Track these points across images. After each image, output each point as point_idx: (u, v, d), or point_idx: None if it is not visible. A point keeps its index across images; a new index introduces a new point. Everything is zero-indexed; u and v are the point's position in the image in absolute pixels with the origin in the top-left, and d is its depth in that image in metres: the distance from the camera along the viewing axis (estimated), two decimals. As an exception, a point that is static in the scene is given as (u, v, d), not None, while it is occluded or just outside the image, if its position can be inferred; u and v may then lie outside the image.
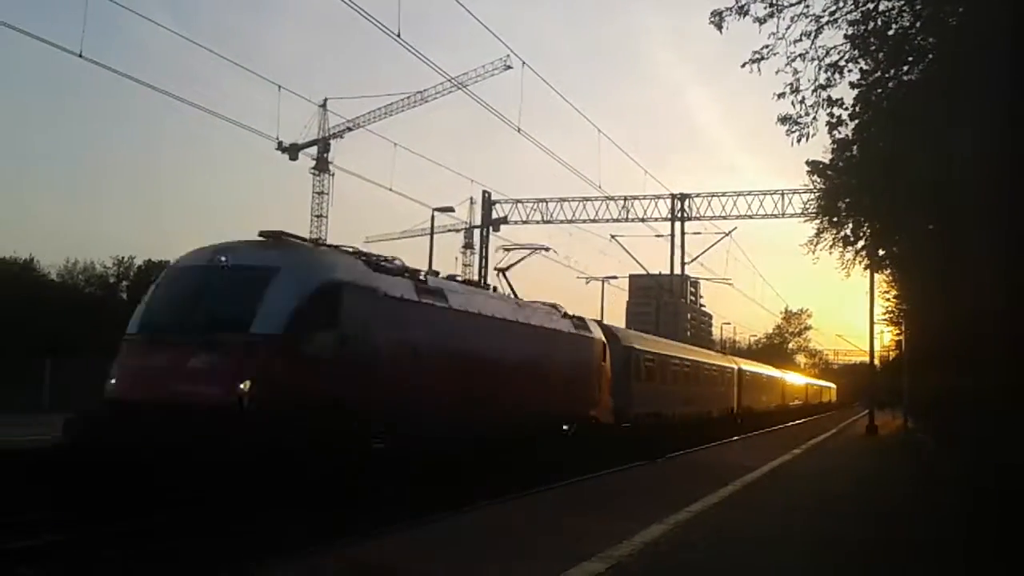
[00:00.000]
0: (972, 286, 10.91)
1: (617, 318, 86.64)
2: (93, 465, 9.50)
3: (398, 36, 17.96)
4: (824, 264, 21.86)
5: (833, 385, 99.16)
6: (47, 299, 38.97)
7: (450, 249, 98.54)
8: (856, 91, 11.83)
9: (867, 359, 43.77)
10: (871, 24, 10.96)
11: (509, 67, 54.68)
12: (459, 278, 17.24)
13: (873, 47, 11.20)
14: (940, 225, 13.98)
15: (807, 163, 18.24)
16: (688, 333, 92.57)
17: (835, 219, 19.08)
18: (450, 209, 39.71)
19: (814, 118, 11.95)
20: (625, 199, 44.44)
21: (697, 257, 47.01)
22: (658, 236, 45.07)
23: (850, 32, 11.06)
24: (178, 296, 11.04)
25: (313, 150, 65.83)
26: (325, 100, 64.66)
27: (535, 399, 16.35)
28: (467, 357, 14.11)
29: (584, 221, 44.78)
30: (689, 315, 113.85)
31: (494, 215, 46.26)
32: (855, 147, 14.36)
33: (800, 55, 11.14)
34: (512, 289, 18.43)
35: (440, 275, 15.83)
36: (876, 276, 29.52)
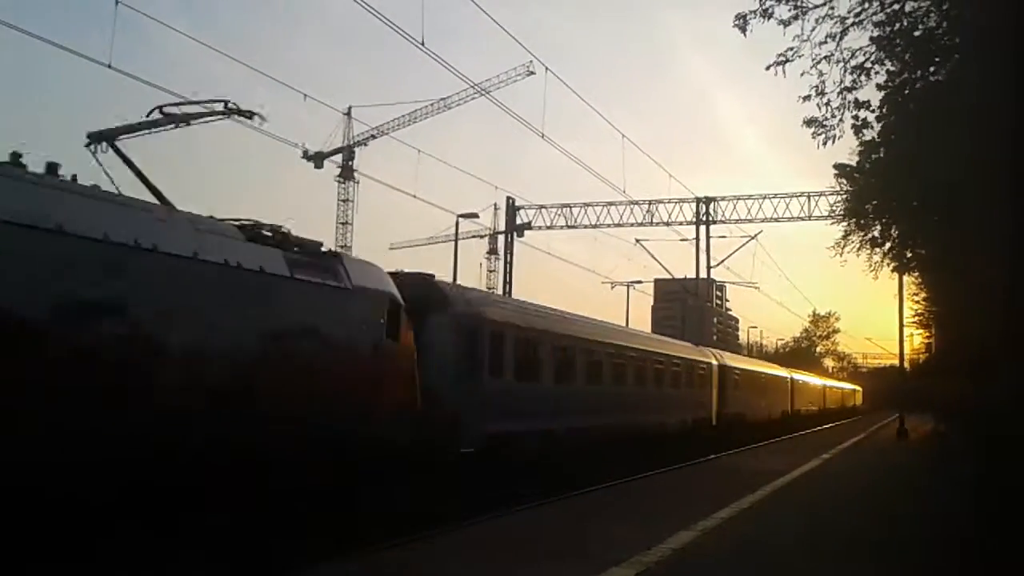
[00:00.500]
0: (1001, 288, 10.77)
1: (643, 323, 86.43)
2: None
3: (422, 44, 18.07)
4: (852, 267, 21.68)
5: (857, 387, 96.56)
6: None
7: (475, 255, 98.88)
8: (882, 93, 11.75)
9: (897, 362, 43.19)
10: (897, 25, 10.89)
11: (532, 73, 54.71)
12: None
13: (899, 48, 11.13)
14: (968, 227, 13.81)
15: (834, 166, 18.15)
16: (714, 337, 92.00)
17: (862, 221, 18.91)
18: (474, 215, 39.82)
19: (840, 120, 11.89)
20: (650, 203, 44.34)
21: (723, 261, 46.72)
22: (683, 240, 44.89)
23: (876, 34, 10.99)
24: None
25: (338, 158, 66.27)
26: (350, 108, 64.97)
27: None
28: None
29: (608, 226, 44.75)
30: (716, 319, 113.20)
31: (518, 221, 46.32)
32: (882, 149, 14.25)
33: (825, 57, 11.08)
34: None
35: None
36: (905, 278, 29.19)
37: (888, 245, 19.26)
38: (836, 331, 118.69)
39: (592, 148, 40.04)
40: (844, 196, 21.03)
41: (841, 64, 11.14)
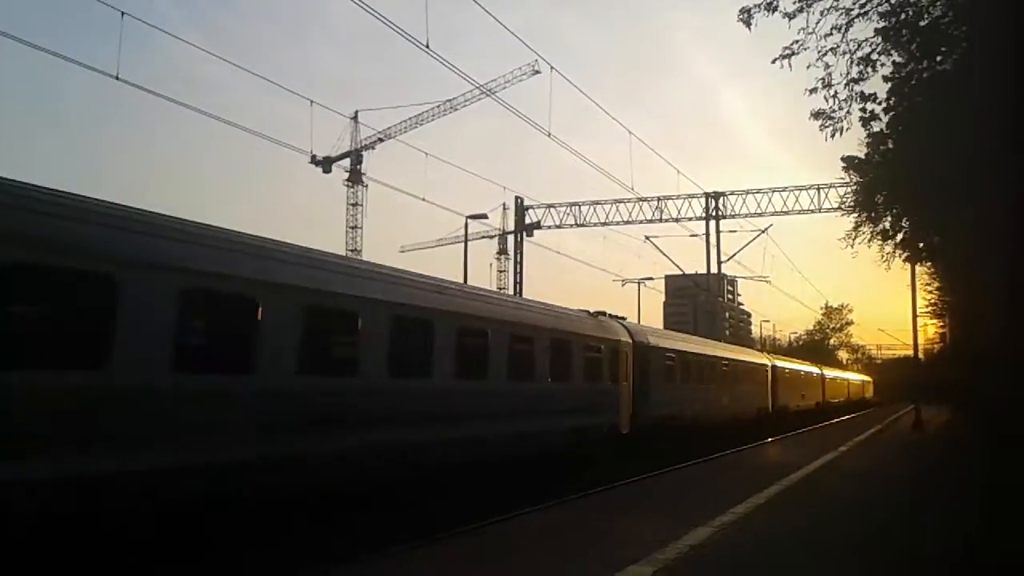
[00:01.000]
0: (1013, 279, 10.72)
1: (654, 319, 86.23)
2: None
3: (427, 47, 18.13)
4: (863, 258, 21.70)
5: (868, 378, 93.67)
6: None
7: (485, 256, 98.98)
8: (889, 84, 11.73)
9: (911, 353, 42.99)
10: (902, 15, 10.87)
11: (537, 72, 54.76)
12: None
13: (905, 39, 11.10)
14: (979, 217, 13.76)
15: (842, 159, 18.11)
16: (727, 332, 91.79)
17: (873, 213, 18.87)
18: (483, 216, 39.83)
19: (847, 112, 11.89)
20: (659, 200, 44.35)
21: (733, 255, 46.68)
22: (693, 236, 44.86)
23: (881, 24, 10.97)
24: None
25: (346, 162, 66.50)
26: (356, 112, 65.29)
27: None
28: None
29: (618, 223, 44.82)
30: (728, 314, 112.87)
31: (527, 220, 46.36)
32: (890, 140, 14.22)
33: (831, 49, 11.09)
34: None
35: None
36: (917, 269, 29.06)
37: (899, 236, 19.21)
38: (849, 323, 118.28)
39: (599, 146, 40.15)
40: (853, 188, 20.99)
41: (847, 56, 11.15)
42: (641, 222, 44.47)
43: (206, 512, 8.09)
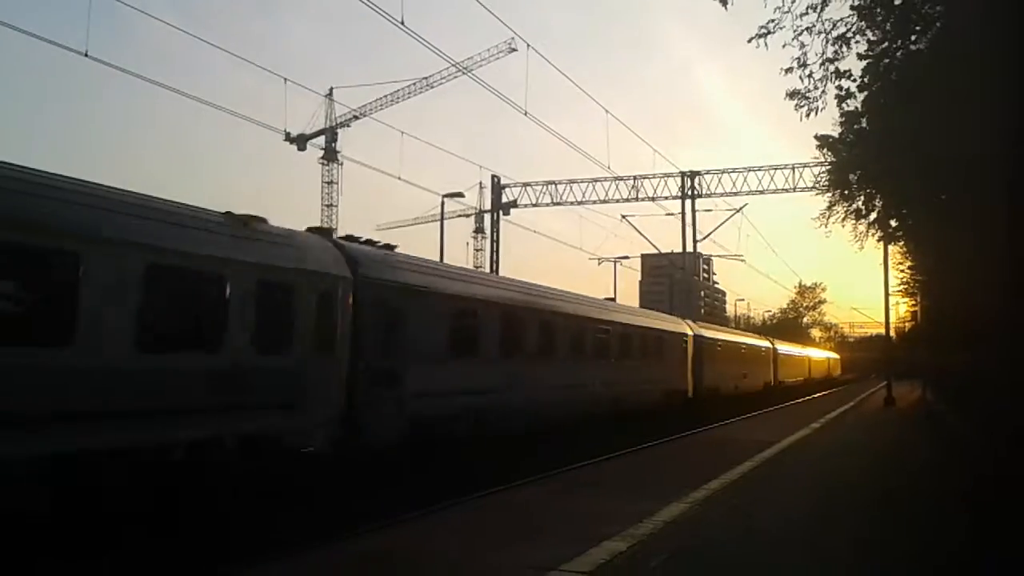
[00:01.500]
0: (981, 258, 10.86)
1: (630, 298, 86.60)
2: None
3: (402, 23, 17.93)
4: (837, 237, 21.81)
5: (835, 355, 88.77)
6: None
7: (461, 234, 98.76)
8: (864, 63, 11.75)
9: (883, 331, 43.53)
10: (878, -6, 10.87)
11: (514, 50, 54.56)
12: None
13: (880, 17, 11.11)
14: (951, 196, 13.88)
15: (816, 137, 18.11)
16: (702, 311, 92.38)
17: (846, 192, 18.93)
18: (460, 195, 39.65)
19: (823, 92, 11.90)
20: (635, 179, 44.36)
21: (709, 234, 46.88)
22: (669, 215, 44.97)
23: (857, 3, 10.97)
24: None
25: (321, 140, 65.88)
26: (331, 89, 64.68)
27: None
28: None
29: (594, 202, 44.77)
30: (703, 292, 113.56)
31: (504, 199, 46.22)
32: (864, 119, 14.27)
33: (807, 28, 11.07)
34: None
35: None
36: (890, 248, 29.33)
37: (873, 216, 19.33)
38: (822, 301, 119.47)
39: (576, 125, 40.00)
40: (828, 168, 21.06)
41: (823, 35, 11.13)
42: (617, 201, 44.48)
43: None
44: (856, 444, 19.35)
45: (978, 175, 10.72)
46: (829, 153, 18.98)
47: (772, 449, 16.89)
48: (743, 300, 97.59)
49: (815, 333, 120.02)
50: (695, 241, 46.93)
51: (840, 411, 32.94)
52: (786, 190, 41.67)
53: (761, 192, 42.70)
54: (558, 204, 45.27)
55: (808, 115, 12.15)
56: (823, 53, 11.27)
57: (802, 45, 11.20)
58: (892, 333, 44.10)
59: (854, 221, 19.87)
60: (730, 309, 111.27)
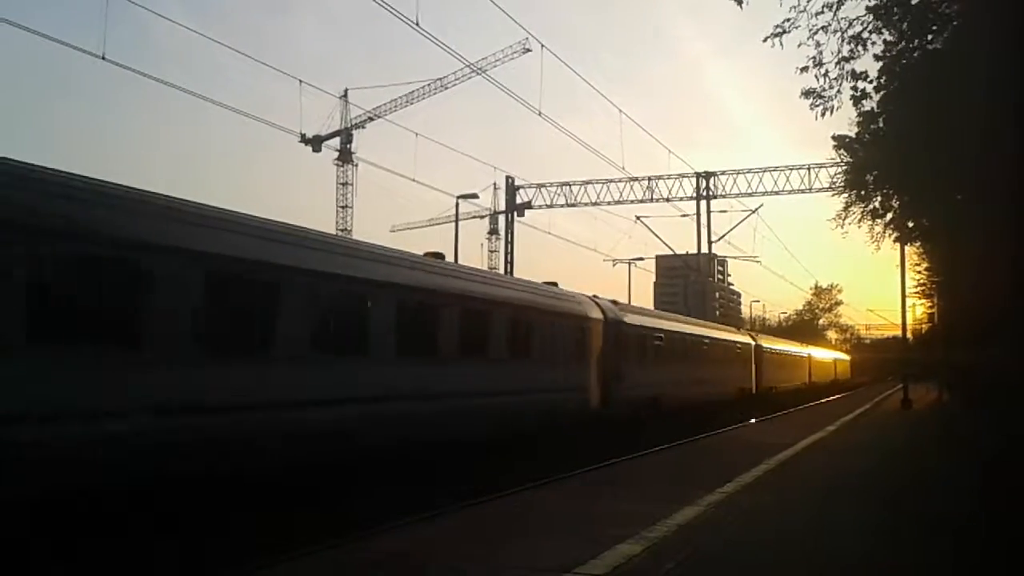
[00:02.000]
0: (997, 259, 10.76)
1: (645, 299, 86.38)
2: None
3: (416, 25, 17.99)
4: (853, 238, 21.66)
5: (843, 356, 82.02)
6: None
7: (476, 236, 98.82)
8: (880, 63, 11.70)
9: (900, 333, 43.22)
10: (894, -7, 10.81)
11: (528, 50, 54.60)
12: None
13: (896, 17, 11.06)
14: (970, 196, 13.77)
15: (833, 137, 18.06)
16: (717, 312, 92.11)
17: (863, 192, 18.85)
18: (474, 196, 39.73)
19: (838, 91, 11.87)
20: (649, 179, 44.23)
21: (724, 236, 46.62)
22: (683, 216, 44.84)
23: (873, 2, 10.92)
24: None
25: (336, 142, 66.12)
26: (346, 91, 64.88)
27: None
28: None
29: (609, 203, 44.66)
30: (717, 294, 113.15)
31: (518, 200, 46.21)
32: (881, 119, 14.19)
33: (822, 27, 11.04)
34: None
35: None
36: (907, 248, 29.15)
37: (889, 216, 19.22)
38: (839, 303, 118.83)
39: (590, 125, 40.05)
40: (844, 168, 20.96)
41: (838, 34, 11.10)
42: (632, 202, 44.34)
43: None
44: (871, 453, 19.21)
45: (992, 175, 10.63)
46: (845, 153, 18.90)
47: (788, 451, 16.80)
48: (758, 302, 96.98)
49: (831, 335, 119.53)
50: (710, 242, 46.74)
51: (861, 411, 32.68)
52: (802, 191, 41.44)
53: (777, 193, 42.48)
54: (572, 205, 45.22)
55: (823, 114, 12.14)
56: (839, 52, 11.26)
57: (818, 44, 11.20)
58: (909, 335, 43.82)
59: (871, 222, 19.79)
60: (745, 311, 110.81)
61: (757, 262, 53.18)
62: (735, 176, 44.24)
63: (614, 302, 23.09)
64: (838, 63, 11.44)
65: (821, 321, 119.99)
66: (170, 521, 8.13)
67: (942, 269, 27.04)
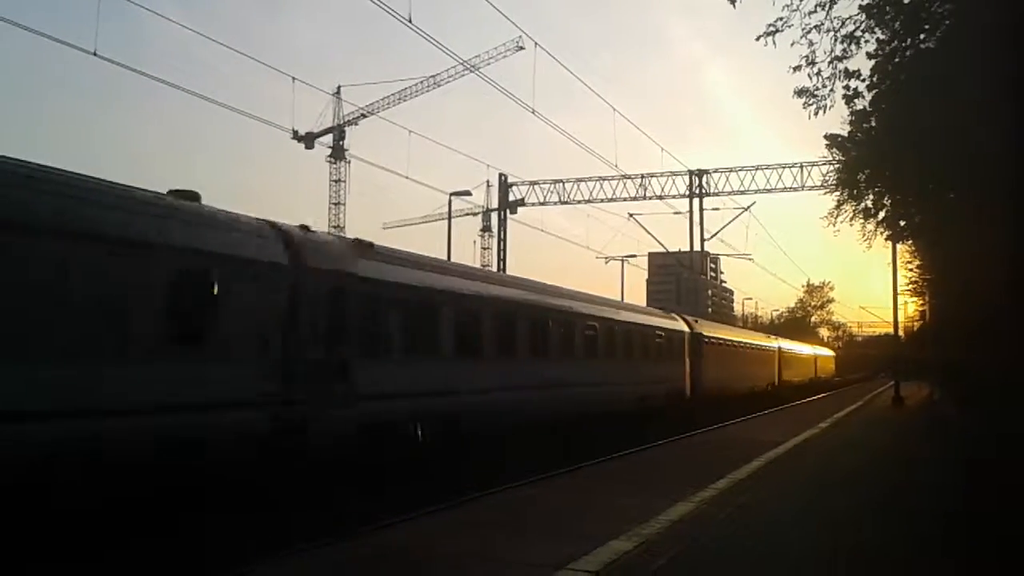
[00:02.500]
0: (989, 257, 10.83)
1: (637, 296, 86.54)
2: None
3: (409, 21, 17.95)
4: (845, 236, 21.78)
5: (829, 352, 77.35)
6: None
7: (468, 233, 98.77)
8: (873, 62, 11.74)
9: (891, 331, 43.40)
10: (886, -8, 10.85)
11: (521, 48, 54.31)
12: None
13: (889, 16, 11.10)
14: (961, 196, 13.84)
15: (825, 136, 18.09)
16: (709, 310, 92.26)
17: (855, 191, 18.88)
18: (467, 193, 39.61)
19: (831, 90, 11.90)
20: (642, 177, 44.31)
21: (716, 233, 46.77)
22: (676, 213, 44.95)
23: (865, 1, 10.96)
24: None
25: (328, 139, 65.91)
26: (339, 88, 64.77)
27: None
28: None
29: (601, 201, 44.76)
30: (710, 291, 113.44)
31: (511, 197, 46.24)
32: (873, 118, 14.24)
33: (815, 26, 11.07)
34: None
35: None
36: (898, 247, 29.25)
37: (881, 215, 19.27)
38: (830, 300, 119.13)
39: (584, 123, 40.02)
40: (836, 167, 21.01)
41: (831, 33, 11.14)
42: (625, 199, 44.46)
43: None
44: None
45: (984, 173, 10.69)
46: (838, 152, 18.95)
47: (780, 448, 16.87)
48: (751, 299, 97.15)
49: (823, 332, 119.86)
50: (703, 240, 46.88)
51: (853, 407, 32.79)
52: (794, 189, 41.64)
53: (769, 191, 42.67)
54: (565, 203, 45.30)
55: (816, 113, 12.17)
56: (832, 51, 11.29)
57: (810, 43, 11.23)
58: (901, 332, 44.00)
59: (862, 220, 19.83)
60: (737, 308, 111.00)
61: (750, 259, 53.46)
62: (728, 174, 44.41)
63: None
64: (831, 62, 11.49)
65: (813, 318, 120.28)
66: (170, 521, 8.15)
67: (934, 267, 27.15)
